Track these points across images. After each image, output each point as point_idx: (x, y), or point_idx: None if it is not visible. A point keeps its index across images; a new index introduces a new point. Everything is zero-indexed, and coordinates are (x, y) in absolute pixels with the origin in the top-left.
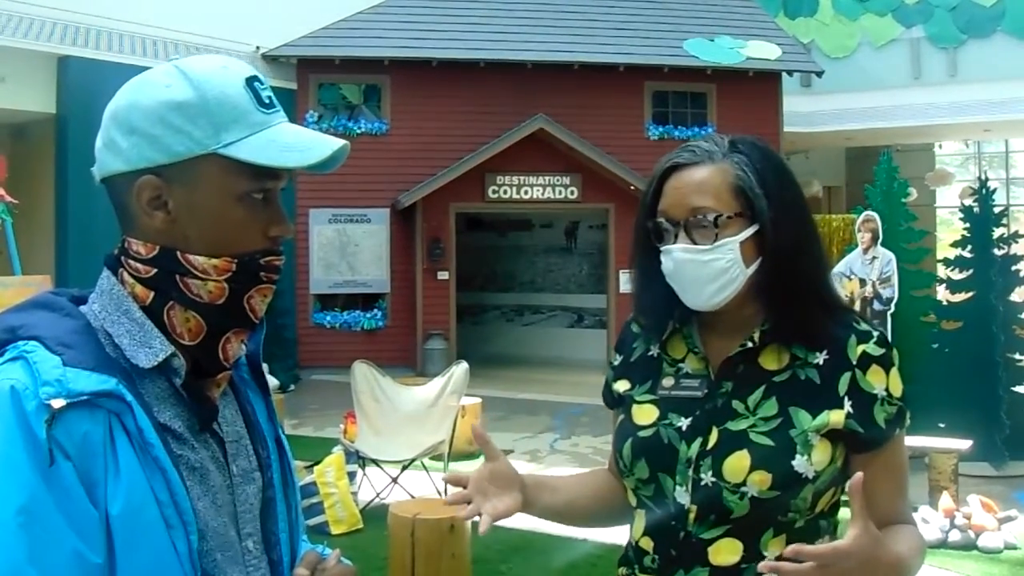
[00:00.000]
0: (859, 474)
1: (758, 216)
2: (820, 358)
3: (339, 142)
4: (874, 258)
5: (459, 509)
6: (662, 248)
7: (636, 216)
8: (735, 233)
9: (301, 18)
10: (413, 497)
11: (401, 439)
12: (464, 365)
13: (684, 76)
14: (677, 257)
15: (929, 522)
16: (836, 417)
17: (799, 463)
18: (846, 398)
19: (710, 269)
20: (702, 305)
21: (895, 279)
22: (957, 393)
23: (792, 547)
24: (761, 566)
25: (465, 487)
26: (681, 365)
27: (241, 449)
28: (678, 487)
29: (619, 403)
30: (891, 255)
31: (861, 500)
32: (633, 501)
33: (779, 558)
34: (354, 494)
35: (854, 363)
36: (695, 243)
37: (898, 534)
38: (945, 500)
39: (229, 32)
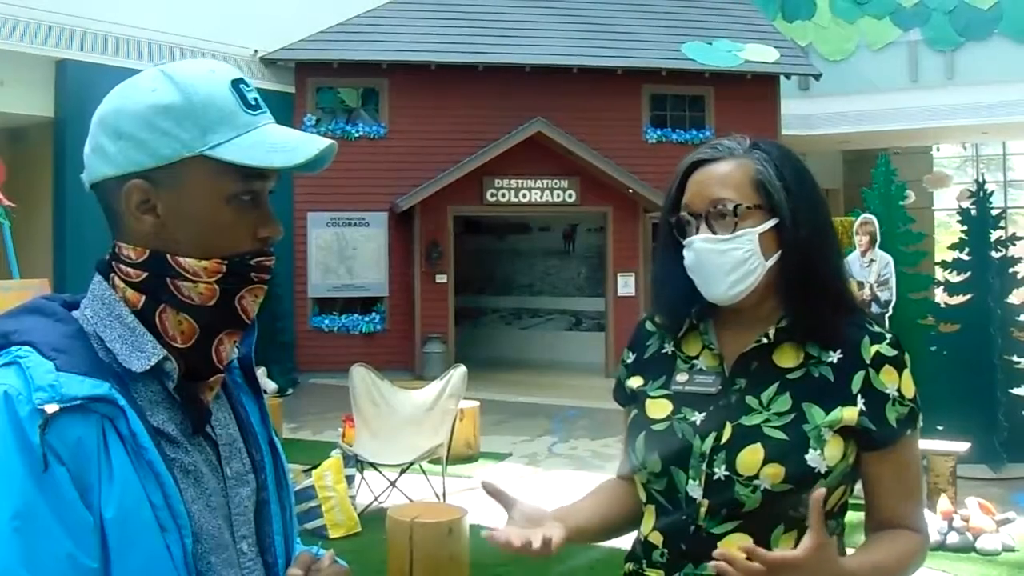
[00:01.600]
0: (821, 490)
1: (777, 209)
2: (834, 357)
3: (326, 141)
4: (872, 261)
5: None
6: (685, 242)
7: (661, 213)
8: (754, 225)
9: (299, 22)
10: (411, 500)
11: (399, 442)
12: (462, 368)
13: (682, 79)
14: (697, 247)
15: (927, 524)
16: (849, 414)
17: (812, 457)
18: (859, 396)
19: (729, 259)
20: (721, 297)
21: (893, 282)
22: (955, 395)
23: (748, 546)
24: (716, 554)
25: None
26: (695, 362)
27: (234, 452)
28: (691, 481)
29: (632, 400)
30: (889, 258)
31: (819, 513)
32: (643, 496)
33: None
34: (352, 498)
35: (868, 362)
36: (715, 234)
37: (882, 540)
38: (943, 502)
39: (227, 36)
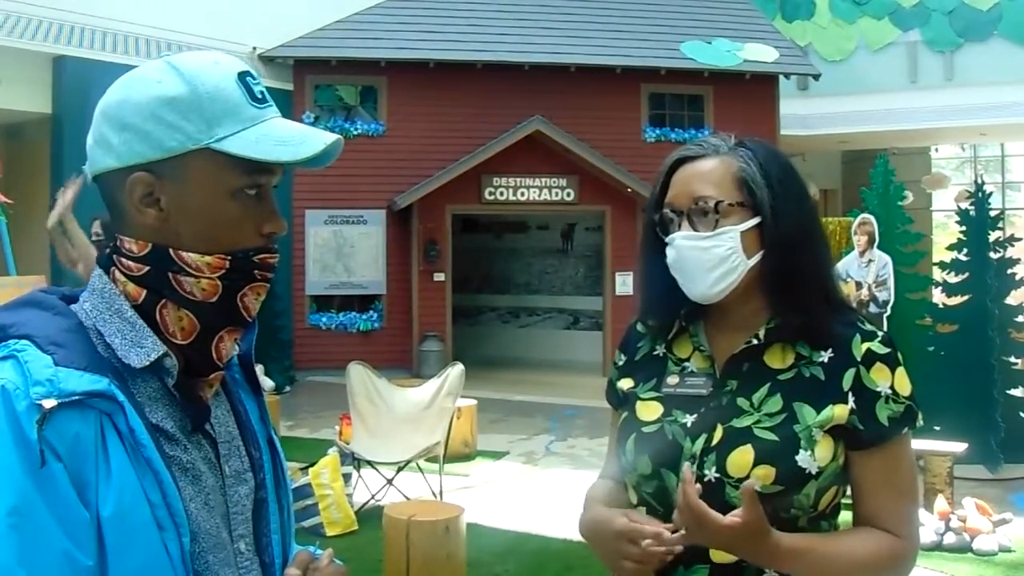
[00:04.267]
0: (750, 481)
1: (759, 207)
2: (825, 356)
3: (332, 136)
4: (870, 261)
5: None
6: (667, 239)
7: (645, 212)
8: (736, 223)
9: (298, 19)
10: (408, 499)
11: (396, 441)
12: (460, 367)
13: (681, 78)
14: (679, 244)
15: (924, 525)
16: (840, 411)
17: (803, 458)
18: (850, 394)
19: (710, 256)
20: (703, 295)
21: (891, 282)
22: (952, 396)
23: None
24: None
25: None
26: (686, 364)
27: (233, 450)
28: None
29: (624, 402)
30: (887, 258)
31: (752, 496)
32: (633, 498)
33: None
34: (349, 496)
35: (859, 360)
36: (696, 231)
37: (848, 532)
38: (940, 503)
39: (225, 32)
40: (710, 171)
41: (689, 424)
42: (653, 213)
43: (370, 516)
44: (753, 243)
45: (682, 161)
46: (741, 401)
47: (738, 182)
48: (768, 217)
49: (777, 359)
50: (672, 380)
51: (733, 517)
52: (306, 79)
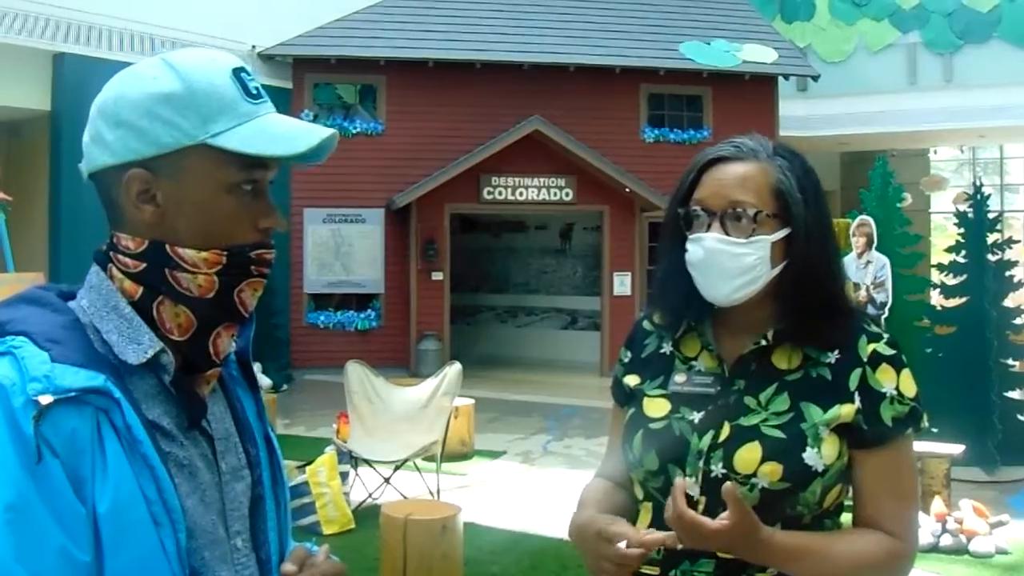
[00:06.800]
0: (730, 483)
1: (792, 221)
2: (832, 357)
3: (327, 130)
4: (868, 262)
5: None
6: (691, 236)
7: (669, 205)
8: (769, 233)
9: (297, 17)
10: (405, 498)
11: (394, 439)
12: (457, 366)
13: (680, 79)
14: (709, 246)
15: (921, 526)
16: (847, 410)
17: (809, 456)
18: (856, 393)
19: (740, 263)
20: (722, 299)
21: (889, 283)
22: (950, 398)
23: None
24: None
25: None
26: (694, 363)
27: (230, 447)
28: (688, 479)
29: (630, 398)
30: (885, 260)
31: (735, 498)
32: (640, 494)
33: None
34: (346, 494)
35: (864, 360)
36: (728, 235)
37: (843, 532)
38: (937, 504)
39: (225, 30)
40: (749, 176)
41: (697, 421)
42: (678, 207)
43: (367, 515)
44: (778, 253)
45: (716, 160)
46: (748, 400)
47: (775, 192)
48: (800, 232)
49: (785, 360)
50: (680, 378)
51: (722, 520)
52: (305, 78)
